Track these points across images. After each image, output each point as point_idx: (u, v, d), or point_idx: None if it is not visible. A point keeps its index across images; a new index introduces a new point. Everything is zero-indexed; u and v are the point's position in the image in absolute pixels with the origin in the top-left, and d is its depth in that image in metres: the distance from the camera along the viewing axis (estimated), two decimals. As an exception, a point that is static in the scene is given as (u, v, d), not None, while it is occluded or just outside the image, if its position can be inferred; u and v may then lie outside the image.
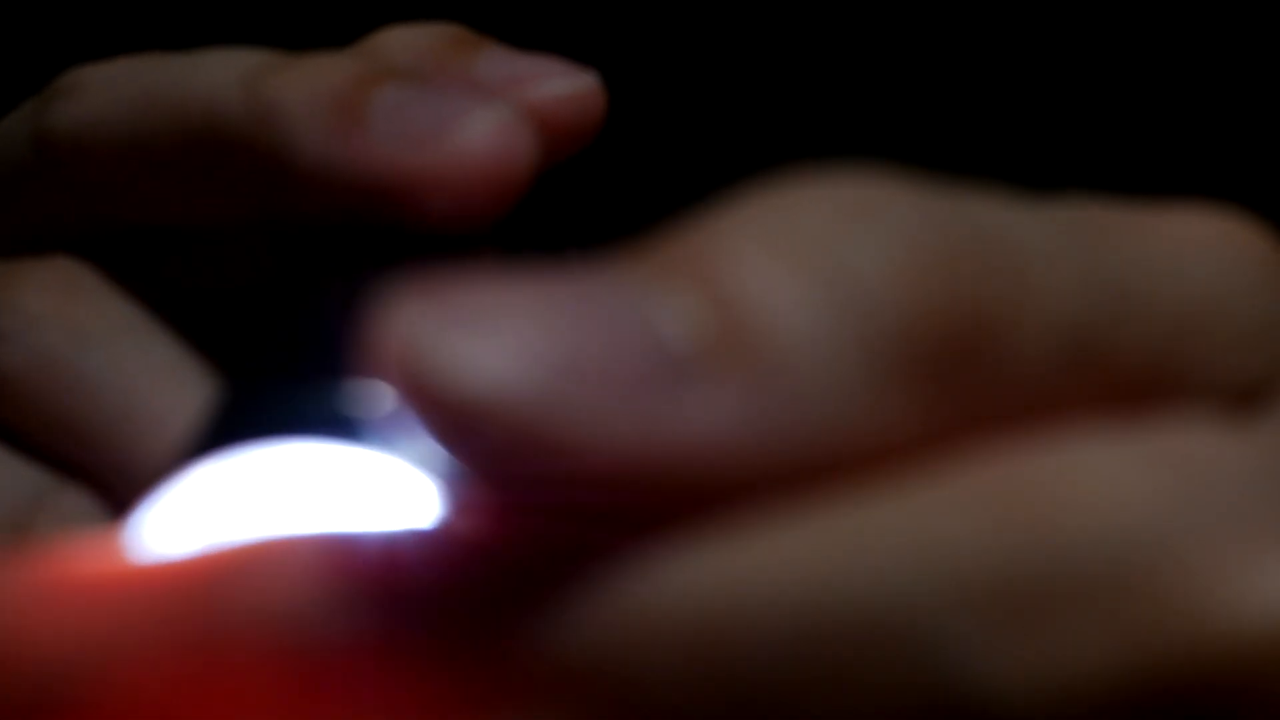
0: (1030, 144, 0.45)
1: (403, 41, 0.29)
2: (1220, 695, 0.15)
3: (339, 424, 0.22)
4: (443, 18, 0.30)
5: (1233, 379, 0.17)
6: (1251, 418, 0.17)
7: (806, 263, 0.16)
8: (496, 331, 0.15)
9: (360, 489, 0.21)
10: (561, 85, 0.28)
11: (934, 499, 0.15)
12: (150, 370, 0.29)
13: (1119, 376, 0.17)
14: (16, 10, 0.47)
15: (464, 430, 0.15)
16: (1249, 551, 0.15)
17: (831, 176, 0.17)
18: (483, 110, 0.26)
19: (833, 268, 0.16)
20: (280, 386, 0.24)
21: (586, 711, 0.16)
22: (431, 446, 0.15)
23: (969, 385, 0.16)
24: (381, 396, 0.16)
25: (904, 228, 0.16)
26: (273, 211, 0.28)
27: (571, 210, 0.29)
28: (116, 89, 0.29)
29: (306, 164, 0.27)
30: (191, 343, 0.29)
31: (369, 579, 0.16)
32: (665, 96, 0.46)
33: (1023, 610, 0.15)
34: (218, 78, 0.28)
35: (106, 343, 0.29)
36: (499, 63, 0.29)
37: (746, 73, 0.46)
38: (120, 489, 0.29)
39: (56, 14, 0.48)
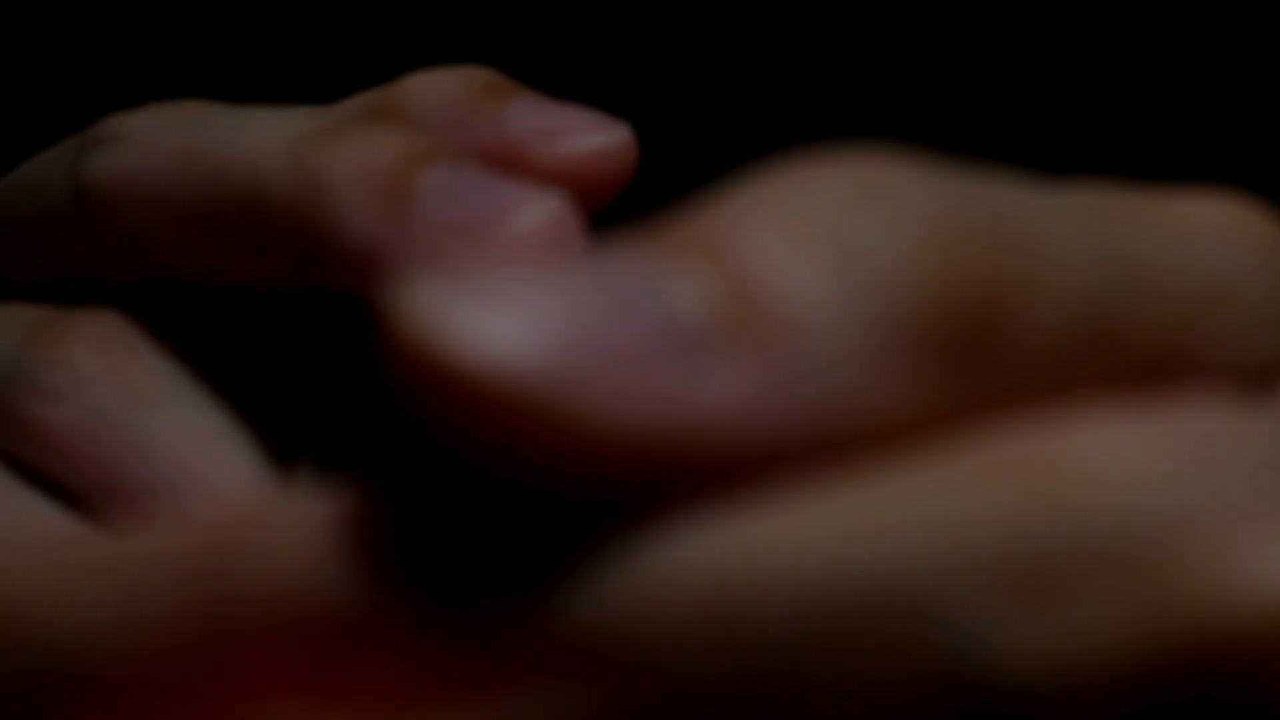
0: (1042, 128, 0.45)
1: (434, 87, 0.29)
2: (1234, 672, 0.15)
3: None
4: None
5: (1244, 361, 0.17)
6: (1263, 399, 0.17)
7: (820, 241, 0.16)
8: (510, 305, 0.15)
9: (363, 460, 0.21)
10: (594, 141, 0.28)
11: (948, 476, 0.16)
12: (201, 435, 0.29)
13: (1130, 357, 0.17)
14: (45, 31, 0.47)
15: (475, 404, 0.15)
16: (1262, 529, 0.15)
17: (845, 156, 0.17)
18: (535, 201, 0.26)
19: (846, 246, 0.16)
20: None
21: (602, 686, 0.16)
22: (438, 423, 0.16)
23: (981, 364, 0.16)
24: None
25: (917, 207, 0.16)
26: (313, 281, 0.28)
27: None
28: (158, 143, 0.29)
29: (350, 245, 0.27)
30: (233, 398, 0.29)
31: (381, 550, 0.16)
32: (678, 77, 0.46)
33: (1037, 588, 0.15)
34: (263, 143, 0.28)
35: (158, 405, 0.29)
36: (530, 115, 0.28)
37: (759, 53, 0.46)
38: None
39: (83, 34, 0.48)
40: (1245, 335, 0.18)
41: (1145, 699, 0.15)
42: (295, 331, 0.30)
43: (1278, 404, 0.17)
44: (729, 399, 0.15)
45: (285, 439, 0.29)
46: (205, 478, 0.28)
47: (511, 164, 0.28)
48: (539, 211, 0.26)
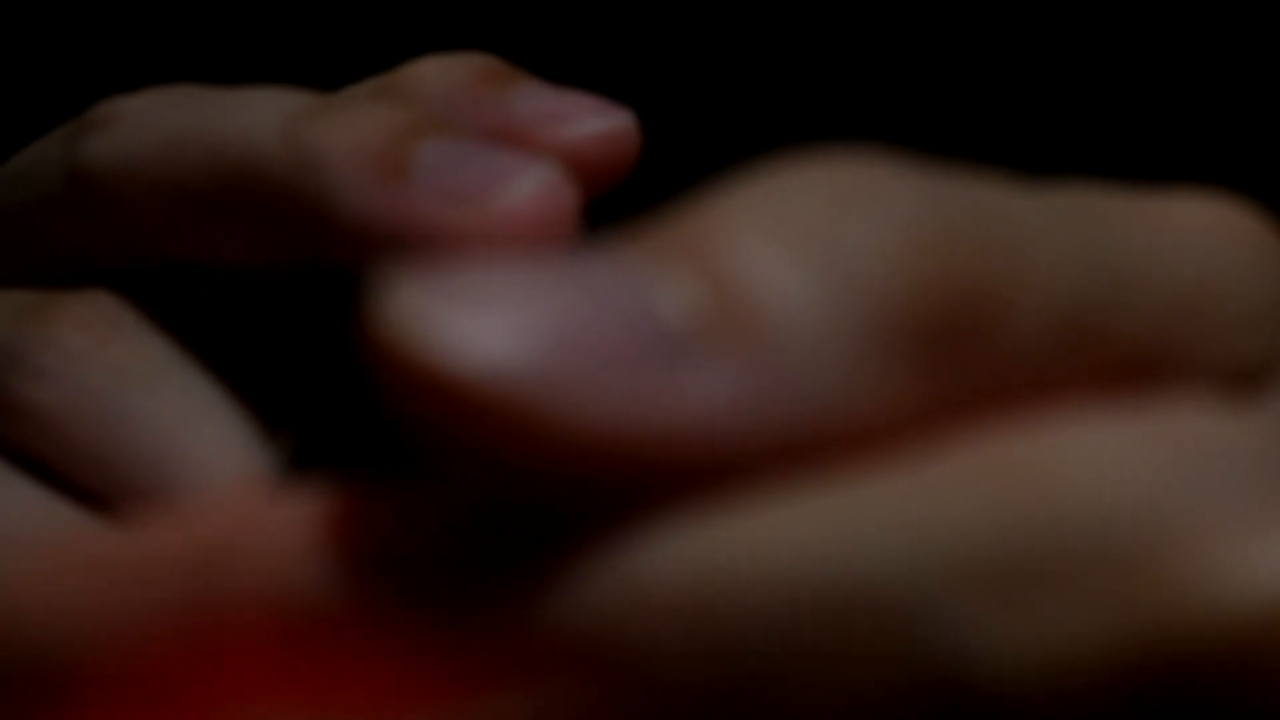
0: (1029, 128, 0.45)
1: (437, 74, 0.29)
2: (1215, 673, 0.15)
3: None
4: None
5: (1231, 362, 0.17)
6: (1249, 400, 0.17)
7: (803, 243, 0.16)
8: (492, 308, 0.15)
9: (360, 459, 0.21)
10: (597, 124, 0.28)
11: (930, 476, 0.16)
12: (189, 412, 0.29)
13: (1116, 359, 0.17)
14: (43, 26, 0.47)
15: (456, 408, 0.15)
16: (1245, 529, 0.15)
17: (829, 158, 0.17)
18: (529, 170, 0.26)
19: (829, 248, 0.16)
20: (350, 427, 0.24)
21: (585, 687, 0.16)
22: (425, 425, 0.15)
23: (965, 365, 0.16)
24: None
25: (901, 208, 0.16)
26: (308, 256, 0.28)
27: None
28: (153, 124, 0.29)
29: (346, 217, 0.27)
30: (226, 379, 0.29)
31: (367, 551, 0.16)
32: (661, 81, 0.46)
33: (1018, 587, 0.15)
34: (257, 120, 0.28)
35: (146, 383, 0.29)
36: (534, 99, 0.28)
37: (745, 56, 0.46)
38: None
39: (82, 30, 0.48)
40: (1231, 337, 0.17)
41: (1127, 700, 0.15)
42: (290, 312, 0.30)
43: (1264, 405, 0.17)
44: (712, 402, 0.15)
45: (280, 419, 0.29)
46: (192, 454, 0.28)
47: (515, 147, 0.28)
48: (533, 180, 0.26)
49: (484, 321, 0.15)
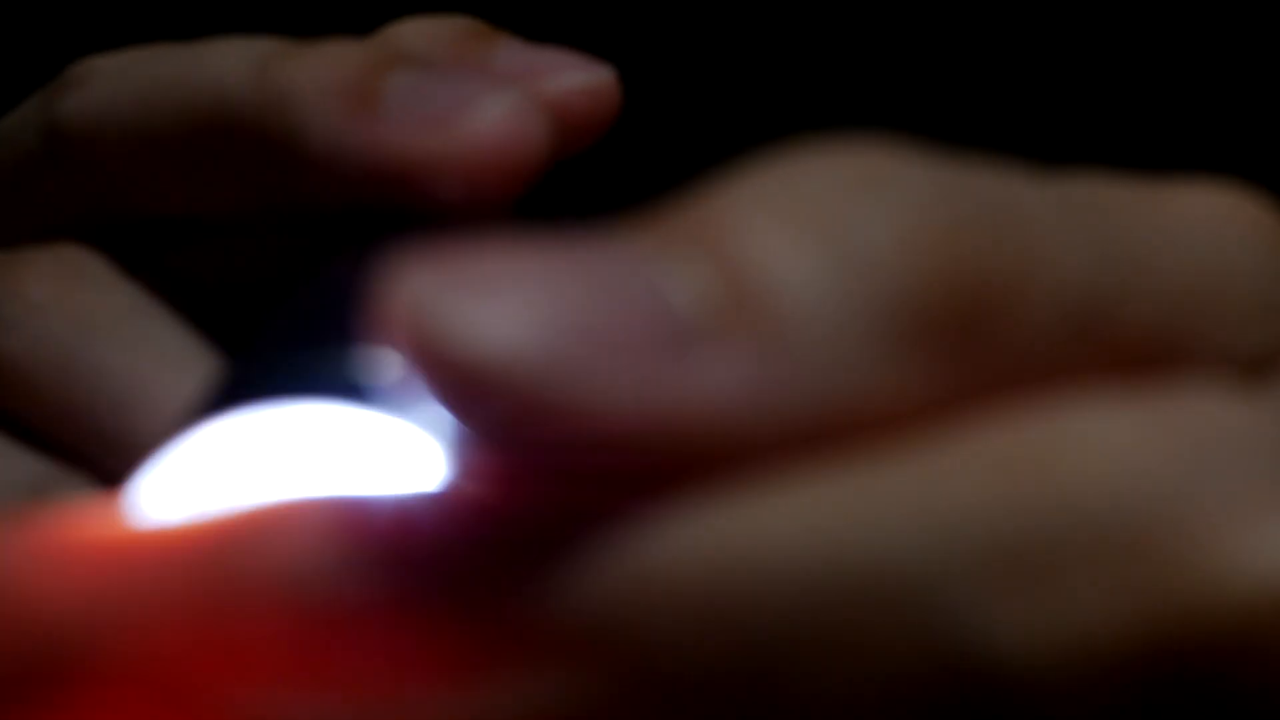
0: (1039, 118, 0.45)
1: (418, 33, 0.29)
2: (1225, 657, 0.15)
3: (347, 388, 0.22)
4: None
5: (1239, 351, 0.17)
6: (1259, 388, 0.17)
7: (815, 231, 0.16)
8: (506, 297, 0.15)
9: (370, 452, 0.21)
10: (577, 78, 0.28)
11: (941, 463, 0.16)
12: (155, 358, 0.29)
13: (1126, 347, 0.17)
14: (24, 3, 0.47)
15: (472, 395, 0.15)
16: (1254, 515, 0.15)
17: (840, 146, 0.17)
18: (495, 94, 0.26)
19: (841, 236, 0.16)
20: (286, 355, 0.24)
21: (597, 674, 0.16)
22: (440, 410, 0.16)
23: (976, 354, 0.16)
24: (390, 362, 0.16)
25: (912, 197, 0.16)
26: (284, 199, 0.28)
27: (580, 179, 0.30)
28: (126, 79, 0.29)
29: (318, 149, 0.27)
30: (199, 332, 0.29)
31: (380, 541, 0.16)
32: (673, 67, 0.46)
33: (1029, 573, 0.15)
34: (227, 65, 0.28)
35: (110, 330, 0.29)
36: (514, 54, 0.29)
37: (756, 43, 0.46)
38: (123, 477, 0.28)
39: (63, 7, 0.48)
40: (1242, 325, 0.18)
41: (1139, 685, 0.15)
42: (266, 266, 0.30)
43: (1273, 392, 0.17)
44: (724, 390, 0.15)
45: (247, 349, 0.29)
46: (158, 401, 0.28)
47: None
48: (500, 104, 0.26)
49: (497, 310, 0.15)
